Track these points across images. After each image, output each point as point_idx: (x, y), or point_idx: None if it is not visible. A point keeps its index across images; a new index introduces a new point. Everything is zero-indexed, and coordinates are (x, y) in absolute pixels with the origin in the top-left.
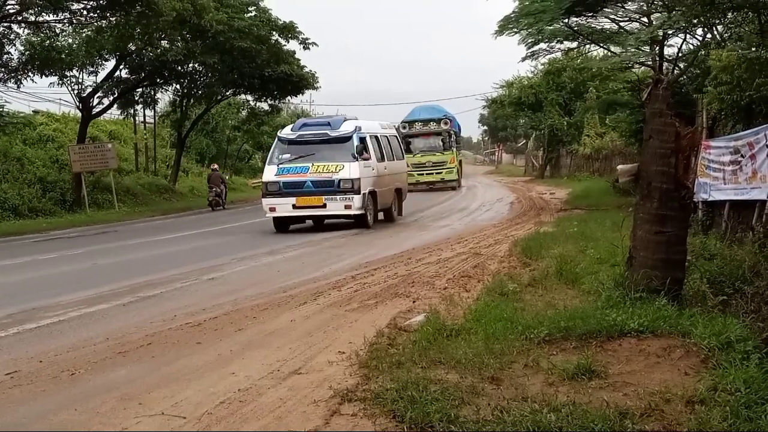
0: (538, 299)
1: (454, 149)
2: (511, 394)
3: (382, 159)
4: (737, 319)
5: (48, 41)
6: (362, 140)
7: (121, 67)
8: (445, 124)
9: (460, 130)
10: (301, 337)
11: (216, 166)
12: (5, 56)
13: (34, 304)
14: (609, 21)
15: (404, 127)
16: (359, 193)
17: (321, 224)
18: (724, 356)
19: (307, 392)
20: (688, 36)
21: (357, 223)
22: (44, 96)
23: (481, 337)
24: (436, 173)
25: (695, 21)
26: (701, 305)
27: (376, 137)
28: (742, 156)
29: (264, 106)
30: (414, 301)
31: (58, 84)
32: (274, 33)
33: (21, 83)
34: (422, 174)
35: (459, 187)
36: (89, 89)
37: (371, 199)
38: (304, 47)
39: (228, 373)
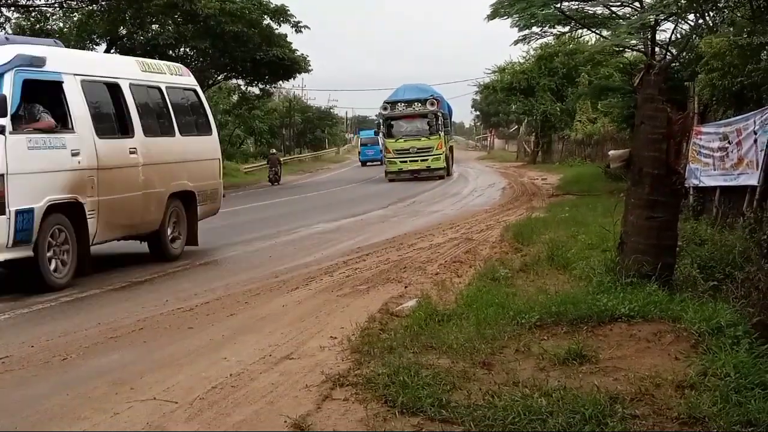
0: (529, 284)
1: (442, 133)
2: (502, 379)
3: (123, 132)
4: (727, 305)
5: (38, 25)
6: (26, 86)
7: (112, 51)
8: (432, 104)
9: (450, 113)
10: (293, 323)
11: (274, 150)
12: None
13: (25, 290)
14: (601, 6)
15: (385, 108)
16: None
17: None
18: (715, 341)
19: (298, 377)
20: (680, 21)
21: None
22: None
23: (473, 322)
24: (421, 160)
25: (687, 6)
26: (692, 290)
27: (105, 85)
28: (729, 142)
29: (255, 90)
30: (406, 287)
31: None
32: (265, 16)
33: None
34: (405, 161)
35: (449, 176)
36: None
37: (55, 225)
38: (296, 30)
39: (220, 358)
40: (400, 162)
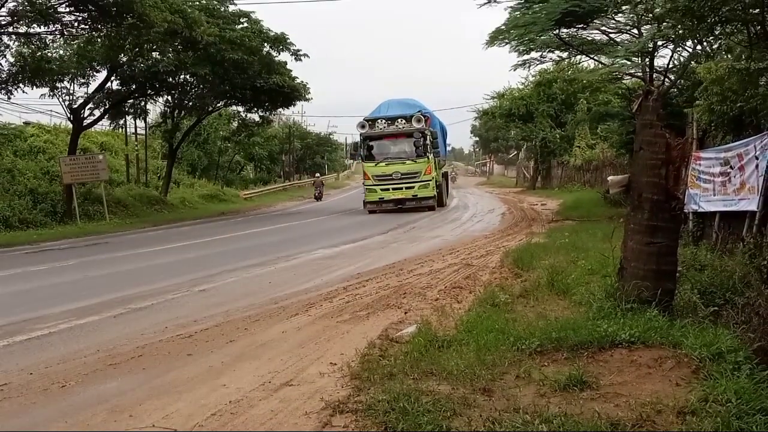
0: (529, 310)
1: (431, 156)
2: (502, 406)
3: None
4: (728, 330)
5: (39, 52)
6: None
7: (113, 78)
8: (419, 121)
9: (444, 132)
10: (293, 349)
11: (318, 174)
12: None
13: (25, 316)
14: (599, 32)
15: (363, 126)
16: None
17: None
18: (715, 367)
19: (298, 404)
20: (678, 48)
21: None
22: (35, 107)
23: (473, 348)
24: (407, 187)
25: (684, 33)
26: (692, 316)
27: None
28: (731, 167)
29: (255, 117)
30: (406, 312)
31: (49, 95)
32: (265, 44)
33: (12, 94)
34: (387, 189)
35: (442, 206)
36: (80, 100)
37: None
38: (295, 58)
39: (219, 384)
40: (381, 190)
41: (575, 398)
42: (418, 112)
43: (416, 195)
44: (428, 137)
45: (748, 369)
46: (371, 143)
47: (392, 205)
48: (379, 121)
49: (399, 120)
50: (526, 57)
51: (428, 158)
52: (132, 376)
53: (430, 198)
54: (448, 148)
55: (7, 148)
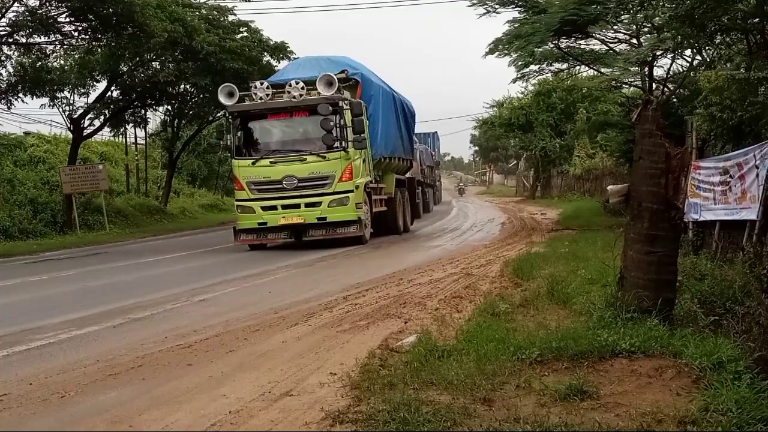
0: (529, 320)
1: (356, 148)
2: (503, 416)
3: None
4: (728, 339)
5: (39, 63)
6: None
7: (113, 88)
8: (330, 86)
9: (408, 117)
10: (293, 359)
11: None
12: None
13: (24, 326)
14: (599, 42)
15: (231, 95)
16: None
17: None
18: (716, 376)
19: (298, 414)
20: (677, 57)
21: None
22: (35, 117)
23: (473, 358)
24: (306, 205)
25: (684, 43)
26: (692, 325)
27: None
28: (731, 176)
29: None
30: (406, 322)
31: (49, 105)
32: (265, 53)
33: (12, 105)
34: (274, 207)
35: (402, 232)
36: (80, 110)
37: None
38: None
39: (219, 395)
40: (264, 209)
41: (576, 408)
42: (341, 72)
43: (325, 218)
44: (348, 114)
45: (749, 378)
46: (249, 126)
47: (285, 236)
48: (260, 89)
49: (294, 86)
50: (525, 70)
51: (347, 153)
52: (132, 387)
53: (351, 224)
54: (446, 157)
55: (7, 158)
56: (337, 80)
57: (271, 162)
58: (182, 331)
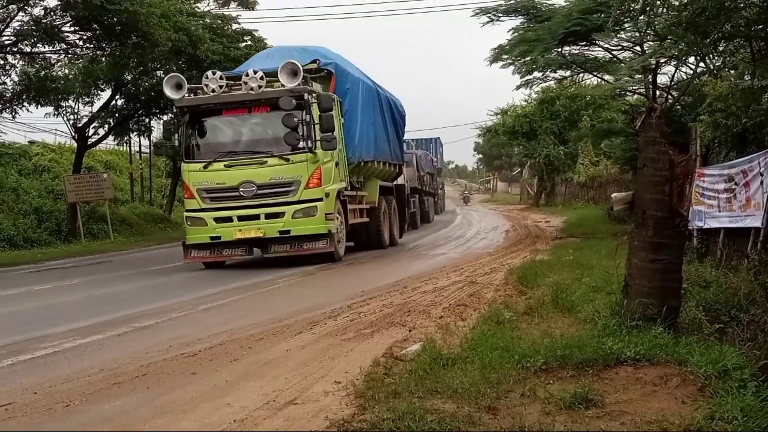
0: (534, 328)
1: (318, 144)
2: (508, 424)
3: None
4: (734, 347)
5: (43, 72)
6: None
7: (117, 96)
8: (293, 76)
9: (396, 116)
10: (297, 367)
11: None
12: (0, 87)
13: (29, 335)
14: (602, 50)
15: (179, 87)
16: None
17: None
18: (721, 384)
19: (303, 423)
20: (680, 65)
21: None
22: (40, 126)
23: (478, 366)
24: (267, 216)
25: (687, 51)
26: (697, 333)
27: None
28: (736, 184)
29: None
30: (410, 330)
31: (54, 114)
32: None
33: (16, 114)
34: (229, 219)
35: (388, 245)
36: (85, 119)
37: None
38: None
39: (223, 403)
40: (218, 221)
41: (581, 416)
42: (312, 62)
43: (288, 231)
44: (317, 109)
45: (754, 386)
46: (203, 123)
47: (242, 252)
48: (213, 81)
49: (251, 75)
50: (528, 77)
51: (315, 154)
52: (136, 395)
53: (320, 237)
54: (450, 164)
55: (11, 168)
56: (302, 70)
57: (225, 165)
58: (186, 340)
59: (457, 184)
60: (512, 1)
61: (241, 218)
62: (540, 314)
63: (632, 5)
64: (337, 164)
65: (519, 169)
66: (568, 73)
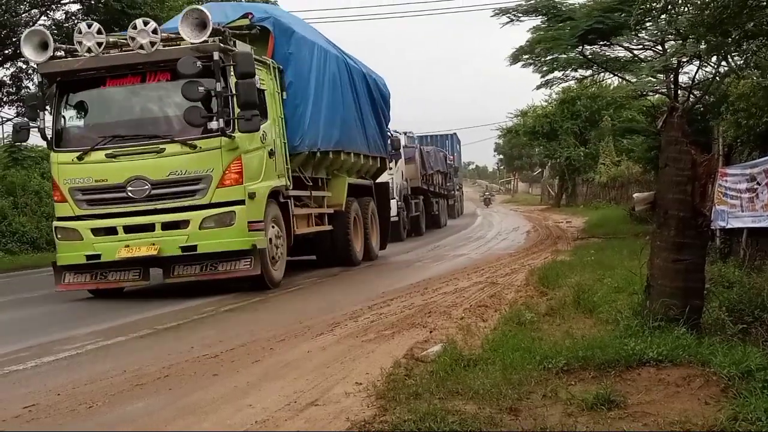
0: (555, 329)
1: (235, 125)
2: (529, 425)
3: None
4: (757, 348)
5: None
6: None
7: None
8: (201, 28)
9: (385, 98)
10: (318, 368)
11: None
12: (23, 90)
13: (52, 337)
14: (623, 49)
15: (44, 47)
16: None
17: None
18: (745, 385)
19: (324, 424)
20: (702, 64)
21: None
22: None
23: (499, 367)
24: (165, 226)
25: (709, 49)
26: (720, 334)
27: None
28: (758, 183)
29: None
30: (431, 331)
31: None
32: None
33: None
34: (112, 233)
35: (361, 261)
36: None
37: None
38: None
39: (245, 404)
40: (97, 234)
41: (603, 417)
42: (243, 17)
43: (194, 246)
44: (237, 73)
45: None
46: (70, 98)
47: (134, 276)
48: (85, 31)
49: (141, 28)
50: (549, 76)
51: (233, 139)
52: (158, 397)
53: (242, 255)
54: (470, 165)
55: (34, 171)
56: (211, 21)
57: (107, 155)
58: (208, 341)
59: (477, 185)
60: (532, 1)
61: (128, 229)
62: (561, 315)
63: (654, 4)
64: (271, 153)
65: (540, 170)
66: (588, 72)
